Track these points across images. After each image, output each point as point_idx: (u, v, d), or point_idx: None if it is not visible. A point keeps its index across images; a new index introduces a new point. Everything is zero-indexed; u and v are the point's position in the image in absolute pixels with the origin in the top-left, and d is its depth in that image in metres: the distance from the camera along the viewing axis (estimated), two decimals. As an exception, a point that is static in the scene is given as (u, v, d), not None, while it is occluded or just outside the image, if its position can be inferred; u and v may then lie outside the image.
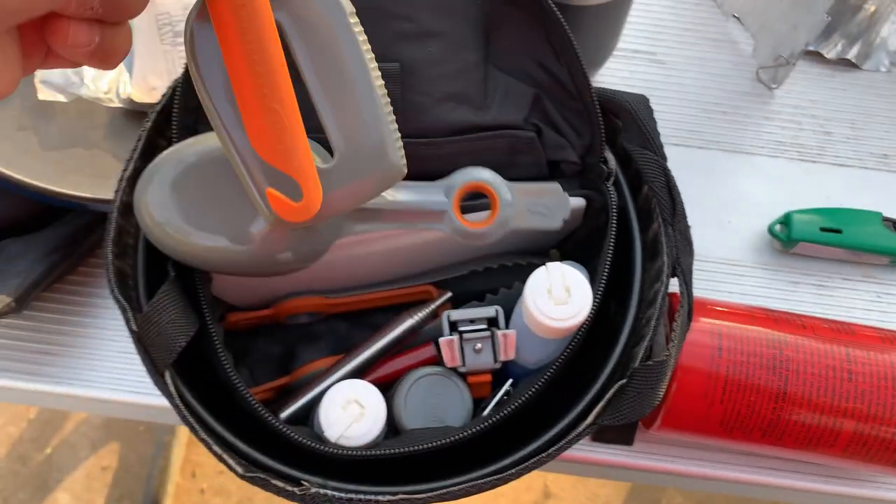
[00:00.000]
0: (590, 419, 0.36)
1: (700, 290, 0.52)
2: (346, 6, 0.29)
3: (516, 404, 0.36)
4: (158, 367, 0.35)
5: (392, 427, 0.40)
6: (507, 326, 0.40)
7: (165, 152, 0.36)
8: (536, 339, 0.38)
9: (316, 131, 0.31)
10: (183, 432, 1.19)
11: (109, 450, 1.19)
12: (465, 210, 0.39)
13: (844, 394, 0.42)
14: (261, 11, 0.26)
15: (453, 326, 0.40)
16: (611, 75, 0.59)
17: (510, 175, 0.39)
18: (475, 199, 0.40)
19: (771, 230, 0.54)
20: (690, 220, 0.40)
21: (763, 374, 0.42)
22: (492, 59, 0.41)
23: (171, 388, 0.35)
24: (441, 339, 0.39)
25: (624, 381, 0.36)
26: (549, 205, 0.38)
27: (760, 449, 0.45)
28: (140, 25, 0.52)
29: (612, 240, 0.39)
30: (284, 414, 0.42)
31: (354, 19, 0.29)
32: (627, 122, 0.41)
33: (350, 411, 0.36)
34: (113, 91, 0.51)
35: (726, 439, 0.44)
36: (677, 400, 0.43)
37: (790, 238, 0.53)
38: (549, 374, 0.37)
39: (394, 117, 0.31)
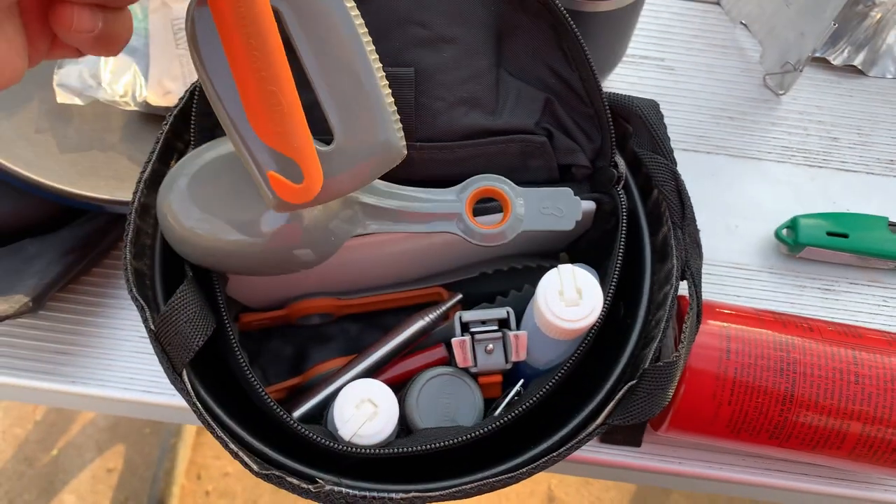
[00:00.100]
0: (600, 420, 0.37)
1: (708, 294, 0.53)
2: None
3: (527, 405, 0.37)
4: (176, 366, 0.35)
5: (404, 426, 0.40)
6: (517, 328, 0.41)
7: (185, 157, 0.36)
8: (547, 340, 0.38)
9: (322, 134, 0.31)
10: (189, 434, 1.19)
11: (115, 452, 1.19)
12: (477, 213, 0.39)
13: (851, 396, 0.42)
14: None
15: (465, 327, 0.40)
16: (620, 81, 0.60)
17: (522, 179, 0.40)
18: (487, 203, 0.40)
19: (778, 234, 0.54)
20: (698, 223, 0.40)
21: (771, 376, 0.43)
22: (504, 64, 0.41)
23: (189, 387, 0.35)
24: (453, 340, 0.40)
25: (634, 382, 0.37)
26: (560, 207, 0.39)
27: (767, 451, 0.45)
28: (155, 30, 0.53)
29: (622, 242, 0.39)
30: (297, 413, 0.42)
31: (351, 3, 0.30)
32: (638, 127, 0.42)
33: (363, 410, 0.37)
34: (129, 95, 0.51)
35: (734, 441, 0.44)
36: (686, 401, 0.43)
37: (797, 242, 0.53)
38: (559, 374, 0.37)
39: (392, 100, 0.31)
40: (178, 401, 0.36)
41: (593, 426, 0.36)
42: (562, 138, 0.42)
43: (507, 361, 0.40)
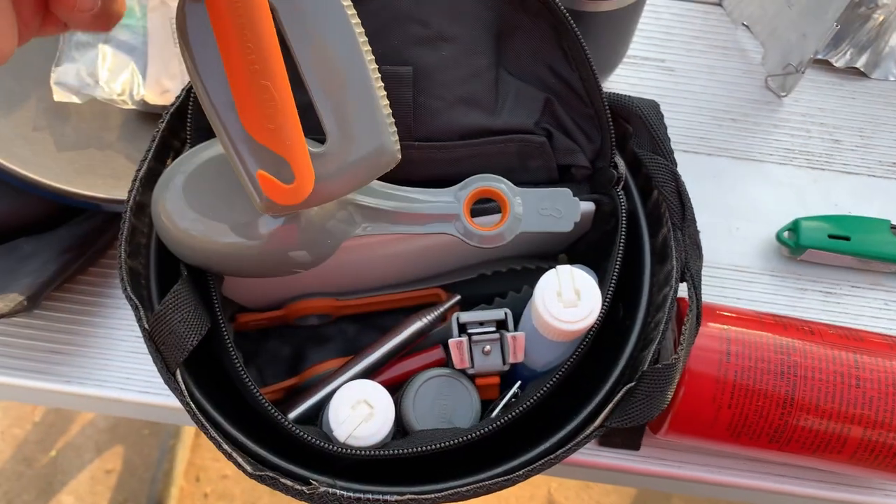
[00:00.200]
0: (598, 422, 0.36)
1: (708, 296, 0.52)
2: None
3: (524, 406, 0.37)
4: (170, 366, 0.35)
5: (400, 428, 0.40)
6: (515, 329, 0.41)
7: (180, 157, 0.36)
8: (545, 341, 0.38)
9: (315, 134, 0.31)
10: (187, 436, 1.19)
11: (114, 453, 1.19)
12: (475, 214, 0.39)
13: (852, 400, 0.42)
14: None
15: (462, 328, 0.40)
16: (621, 82, 0.59)
17: (521, 179, 0.39)
18: (486, 204, 0.40)
19: (779, 237, 0.54)
20: (699, 226, 0.40)
21: (771, 379, 0.42)
22: (503, 63, 0.41)
23: (182, 387, 0.35)
24: (450, 341, 0.40)
25: (632, 384, 0.36)
26: (559, 208, 0.38)
27: (767, 455, 0.45)
28: (154, 29, 0.53)
29: (622, 244, 0.39)
30: (293, 414, 0.42)
31: (348, 2, 0.29)
32: (638, 127, 0.42)
33: (359, 411, 0.36)
34: (127, 93, 0.51)
35: (733, 445, 0.44)
36: (685, 404, 0.43)
37: (798, 245, 0.53)
38: (557, 376, 0.37)
39: (388, 102, 0.31)
40: (175, 401, 0.36)
41: (591, 428, 0.36)
42: (561, 138, 0.41)
43: (504, 363, 0.40)
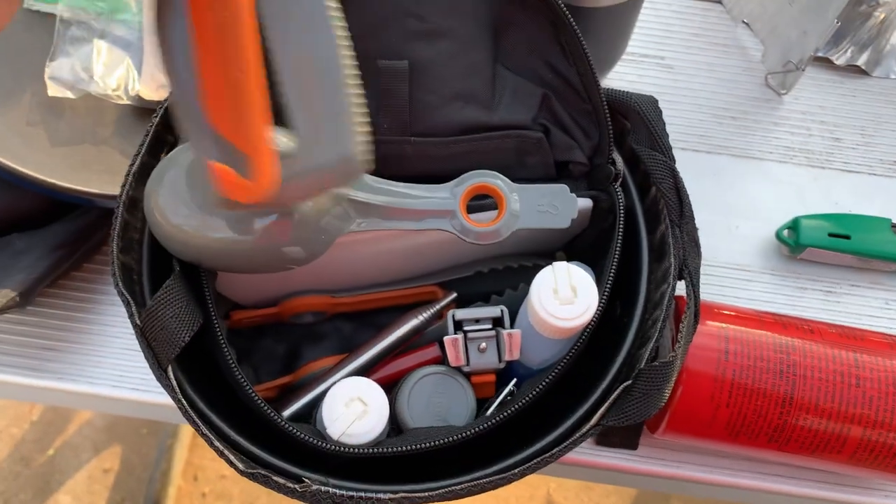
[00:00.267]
0: (594, 420, 0.36)
1: (707, 295, 0.52)
2: None
3: (520, 404, 0.36)
4: (161, 362, 0.35)
5: (395, 426, 0.40)
6: (512, 326, 0.40)
7: (173, 151, 0.36)
8: (541, 339, 0.38)
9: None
10: (186, 435, 1.19)
11: (112, 452, 1.19)
12: (471, 210, 0.39)
13: (852, 399, 0.42)
14: None
15: (458, 325, 0.40)
16: (619, 79, 0.59)
17: (518, 175, 0.39)
18: (482, 200, 0.39)
19: (779, 235, 0.54)
20: (698, 224, 0.40)
21: (770, 378, 0.42)
22: (500, 58, 0.41)
23: (174, 383, 0.35)
24: (445, 338, 0.39)
25: (629, 382, 0.36)
26: (556, 205, 0.38)
27: (766, 454, 0.44)
28: (150, 24, 0.52)
29: (619, 240, 0.39)
30: (287, 412, 0.41)
31: (333, 3, 0.28)
32: (636, 123, 0.41)
33: (353, 409, 0.36)
34: (122, 88, 0.51)
35: (732, 444, 0.44)
36: (683, 403, 0.42)
37: (798, 243, 0.53)
38: (553, 374, 0.37)
39: (363, 111, 0.29)
40: (169, 399, 0.35)
41: (587, 427, 0.36)
42: (559, 134, 0.41)
43: (500, 360, 0.39)
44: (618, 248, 0.39)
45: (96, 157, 0.50)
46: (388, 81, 0.39)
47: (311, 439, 0.35)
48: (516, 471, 0.35)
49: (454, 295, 0.45)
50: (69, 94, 0.50)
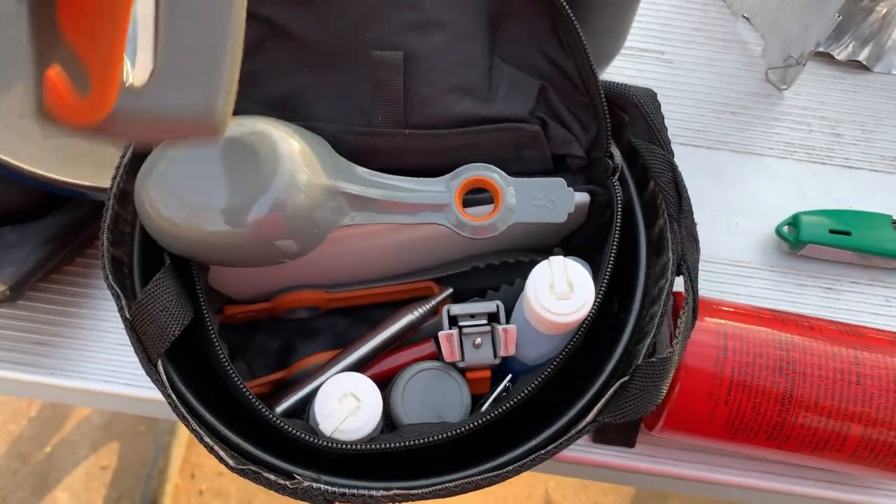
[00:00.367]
0: (590, 416, 0.35)
1: (707, 292, 0.52)
2: None
3: (515, 400, 0.36)
4: (151, 356, 0.34)
5: (389, 422, 0.39)
6: (507, 322, 0.40)
7: (162, 144, 0.35)
8: (537, 334, 0.37)
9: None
10: (183, 433, 1.18)
11: (109, 449, 1.18)
12: (467, 204, 0.38)
13: (852, 397, 0.41)
14: None
15: (453, 321, 0.39)
16: (618, 73, 0.58)
17: (515, 169, 0.39)
18: (478, 194, 0.39)
19: (779, 231, 0.53)
20: (697, 220, 0.39)
21: (769, 375, 0.41)
22: (497, 50, 0.40)
23: (163, 377, 0.34)
24: (440, 333, 0.39)
25: (626, 378, 0.36)
26: (553, 199, 0.38)
27: (765, 453, 0.44)
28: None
29: (617, 235, 0.38)
30: (280, 408, 0.41)
31: None
32: (634, 117, 0.41)
33: (346, 404, 0.35)
34: (115, 81, 0.50)
35: (730, 442, 0.43)
36: (681, 400, 0.42)
37: (798, 240, 0.52)
38: (548, 370, 0.36)
39: (238, 74, 0.26)
40: (161, 395, 0.35)
41: (583, 423, 0.35)
42: (556, 128, 0.41)
43: (495, 356, 0.39)
44: (615, 243, 0.38)
45: (88, 150, 0.49)
46: (382, 72, 0.38)
47: (304, 435, 0.35)
48: (511, 468, 0.35)
49: (450, 290, 0.45)
50: (62, 87, 0.49)
